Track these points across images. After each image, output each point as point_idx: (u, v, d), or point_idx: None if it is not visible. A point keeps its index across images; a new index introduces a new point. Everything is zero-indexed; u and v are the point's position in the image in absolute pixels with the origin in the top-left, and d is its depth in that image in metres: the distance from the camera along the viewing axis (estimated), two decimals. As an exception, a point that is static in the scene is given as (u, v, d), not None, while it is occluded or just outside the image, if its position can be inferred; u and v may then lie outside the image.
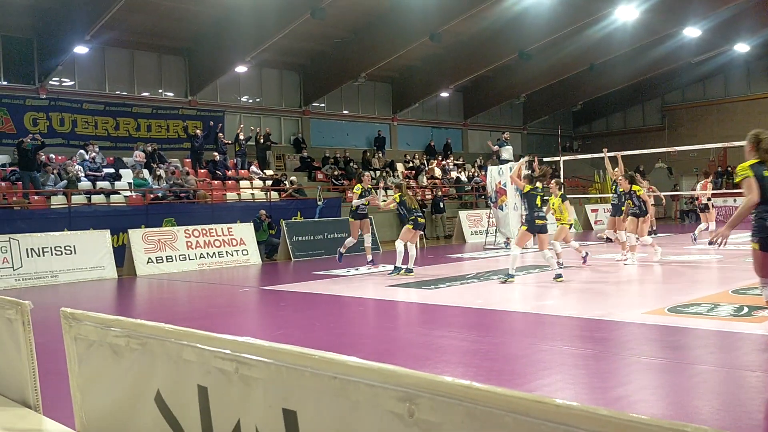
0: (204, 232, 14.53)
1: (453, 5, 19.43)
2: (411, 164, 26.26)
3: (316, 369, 1.25)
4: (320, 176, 22.97)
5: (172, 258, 13.75)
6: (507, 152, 16.37)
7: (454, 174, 26.62)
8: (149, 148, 18.98)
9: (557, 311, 7.19)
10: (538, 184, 9.66)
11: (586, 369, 4.85)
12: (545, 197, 10.48)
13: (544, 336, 6.09)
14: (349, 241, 12.58)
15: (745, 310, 6.78)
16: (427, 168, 26.28)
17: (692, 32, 23.80)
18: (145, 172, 17.77)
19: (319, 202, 18.40)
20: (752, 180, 5.02)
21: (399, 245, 10.62)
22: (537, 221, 9.26)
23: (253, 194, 19.29)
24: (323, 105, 25.92)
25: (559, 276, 9.30)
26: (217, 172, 19.65)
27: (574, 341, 5.82)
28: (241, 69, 21.37)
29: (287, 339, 6.36)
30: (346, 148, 25.32)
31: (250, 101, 24.01)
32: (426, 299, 8.40)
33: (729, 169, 28.89)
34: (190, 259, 14.06)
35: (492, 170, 16.69)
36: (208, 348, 1.51)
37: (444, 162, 27.27)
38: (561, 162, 16.69)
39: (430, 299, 8.37)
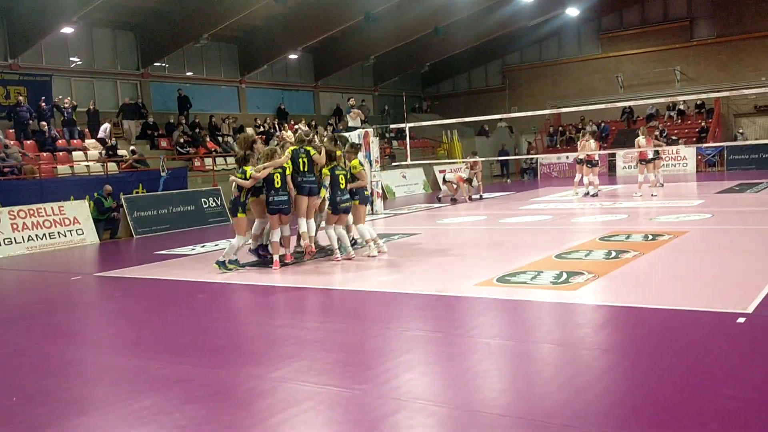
0: (31, 212, 13.39)
1: (296, -34, 18.96)
2: (261, 129, 25.65)
3: None
4: (164, 144, 21.87)
5: (-5, 243, 12.59)
6: (354, 120, 16.42)
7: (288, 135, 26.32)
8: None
9: (396, 287, 7.40)
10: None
11: (420, 352, 5.04)
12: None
13: (381, 318, 6.26)
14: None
15: (564, 276, 7.33)
16: (278, 132, 25.81)
17: (528, -3, 24.99)
18: (-41, 146, 15.97)
19: (163, 173, 17.52)
20: None
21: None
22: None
23: (88, 167, 17.98)
24: (166, 66, 24.51)
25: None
26: (48, 144, 18.08)
27: (411, 322, 6.02)
28: (67, 30, 19.62)
29: (120, 339, 6.06)
30: (192, 113, 24.20)
31: (81, 64, 22.19)
32: (267, 281, 8.32)
33: (561, 127, 31.01)
34: (16, 243, 12.95)
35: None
36: None
37: (297, 125, 26.89)
38: (407, 128, 17.06)
39: (273, 281, 8.31)
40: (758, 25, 28.08)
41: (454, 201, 18.32)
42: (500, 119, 32.20)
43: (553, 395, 3.94)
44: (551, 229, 11.71)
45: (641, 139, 16.00)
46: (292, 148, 9.09)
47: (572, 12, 28.83)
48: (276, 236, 8.92)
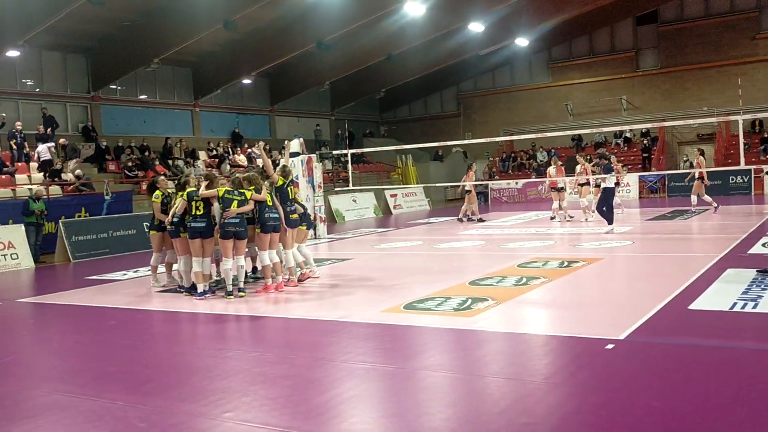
0: (-36, 237, 13.29)
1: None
2: (214, 152, 25.75)
3: None
4: (113, 167, 21.81)
5: None
6: (295, 145, 16.61)
7: (260, 162, 26.47)
8: None
9: (301, 314, 7.58)
10: (291, 177, 9.71)
11: (280, 382, 5.21)
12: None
13: (272, 343, 6.43)
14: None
15: (468, 303, 7.57)
16: (231, 156, 25.92)
17: (476, 27, 25.65)
18: None
19: (107, 197, 17.50)
20: None
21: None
22: (291, 216, 9.28)
23: (31, 189, 17.82)
24: (119, 88, 24.50)
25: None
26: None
27: (300, 349, 6.19)
28: (13, 53, 19.58)
29: (11, 367, 6.10)
30: (143, 136, 24.21)
31: (31, 85, 22.09)
32: (183, 307, 8.42)
33: (513, 154, 31.66)
34: (-53, 268, 12.83)
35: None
36: None
37: (250, 149, 27.06)
38: (349, 155, 17.34)
39: (190, 307, 8.41)
40: (700, 56, 29.20)
41: (461, 221, 18.28)
42: (455, 145, 32.74)
43: (406, 414, 4.16)
44: (478, 255, 12.01)
45: (552, 169, 16.95)
46: (282, 182, 9.25)
47: (522, 42, 29.63)
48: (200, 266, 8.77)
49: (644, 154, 28.14)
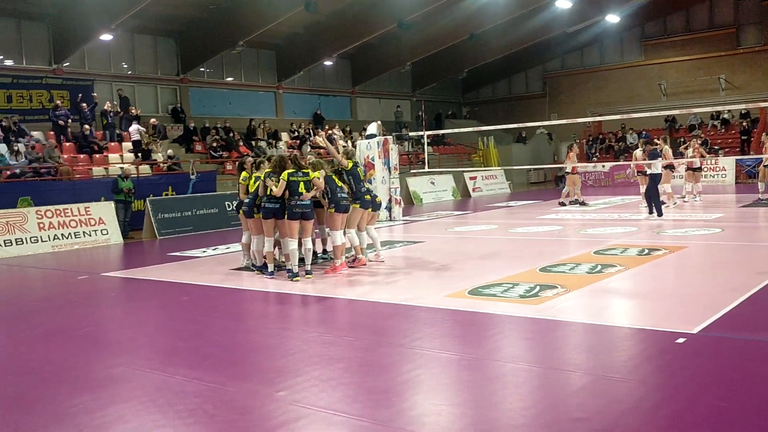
0: (58, 212, 14.09)
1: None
2: (296, 134, 26.16)
3: None
4: (199, 148, 22.56)
5: (22, 240, 13.31)
6: (372, 128, 16.65)
7: (341, 143, 26.67)
8: (6, 122, 17.99)
9: (365, 296, 7.58)
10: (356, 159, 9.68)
11: (346, 362, 5.20)
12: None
13: (333, 325, 6.45)
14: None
15: (536, 290, 7.34)
16: (312, 137, 26.24)
17: (564, 4, 24.73)
18: (2, 147, 16.93)
19: (192, 177, 18.13)
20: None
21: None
22: (364, 196, 9.34)
23: (122, 168, 18.70)
24: (207, 71, 25.28)
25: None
26: (86, 146, 18.94)
27: (358, 331, 6.18)
28: (106, 37, 20.51)
29: (87, 339, 6.40)
30: (227, 118, 24.89)
31: (125, 67, 23.12)
32: (253, 286, 8.60)
33: (601, 135, 30.47)
34: (42, 241, 13.65)
35: (360, 144, 16.95)
36: None
37: (330, 131, 27.32)
38: (425, 137, 17.17)
39: (260, 286, 8.58)
40: (810, 31, 27.07)
41: (562, 204, 17.64)
42: (539, 126, 31.86)
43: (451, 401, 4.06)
44: (554, 241, 11.64)
45: (638, 152, 15.97)
46: (351, 164, 9.30)
47: (612, 18, 28.37)
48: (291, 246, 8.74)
49: (743, 137, 26.45)
